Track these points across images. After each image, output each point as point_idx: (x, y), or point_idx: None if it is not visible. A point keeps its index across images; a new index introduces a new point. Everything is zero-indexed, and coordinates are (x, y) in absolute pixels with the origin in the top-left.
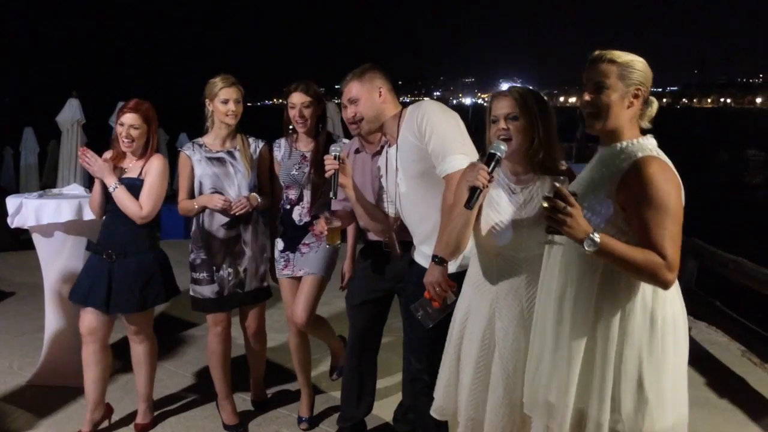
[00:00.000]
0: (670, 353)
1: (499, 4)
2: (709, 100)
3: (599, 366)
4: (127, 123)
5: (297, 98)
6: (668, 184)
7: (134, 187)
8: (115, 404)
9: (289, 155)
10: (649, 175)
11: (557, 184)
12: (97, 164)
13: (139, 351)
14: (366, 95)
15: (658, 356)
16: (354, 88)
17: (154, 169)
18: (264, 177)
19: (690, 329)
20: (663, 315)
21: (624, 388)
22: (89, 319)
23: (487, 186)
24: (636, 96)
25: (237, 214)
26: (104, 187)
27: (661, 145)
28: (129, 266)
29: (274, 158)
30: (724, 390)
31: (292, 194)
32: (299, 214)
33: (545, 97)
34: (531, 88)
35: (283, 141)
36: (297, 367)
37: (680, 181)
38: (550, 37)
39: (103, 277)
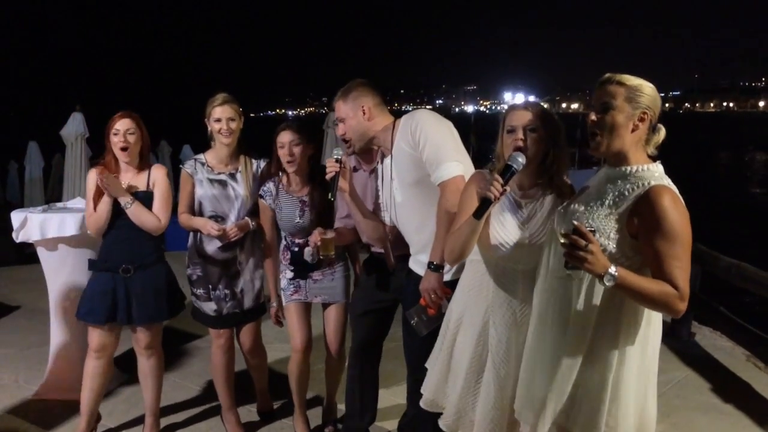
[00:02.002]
0: (654, 371)
1: (500, 11)
2: (711, 104)
3: (595, 391)
4: (123, 128)
5: (286, 137)
6: (680, 215)
7: (146, 199)
8: (121, 417)
9: (281, 202)
10: (663, 207)
11: (575, 222)
12: (114, 184)
13: (147, 365)
14: (351, 114)
15: (647, 376)
16: (341, 108)
17: (162, 179)
18: None
19: (694, 334)
20: (654, 338)
21: (621, 410)
22: (103, 334)
23: (498, 198)
24: (642, 120)
25: (231, 240)
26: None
27: (664, 151)
28: (149, 277)
29: (262, 204)
30: (729, 395)
31: (299, 240)
32: (311, 255)
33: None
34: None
35: (271, 186)
36: (296, 390)
37: (687, 210)
38: (551, 43)
39: (121, 293)
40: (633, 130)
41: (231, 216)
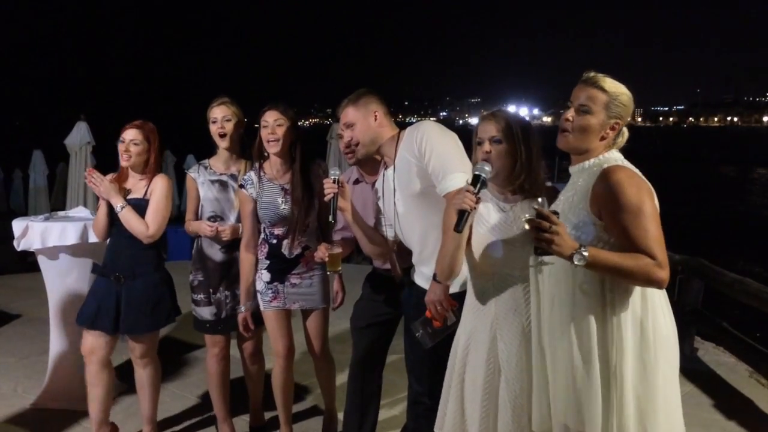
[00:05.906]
0: (661, 364)
1: (505, 24)
2: (715, 119)
3: (602, 386)
4: (128, 138)
5: (270, 116)
6: (636, 188)
7: (140, 207)
8: (119, 426)
9: (263, 190)
10: (615, 182)
11: (536, 206)
12: (104, 185)
13: (144, 375)
14: (362, 120)
15: (651, 368)
16: (350, 113)
17: (158, 189)
18: None
19: (697, 350)
20: (654, 326)
21: (625, 403)
22: (90, 339)
23: (474, 208)
24: (613, 129)
25: (224, 240)
26: (110, 209)
27: (668, 165)
28: (138, 287)
29: (242, 196)
30: (731, 412)
31: (279, 230)
32: (289, 248)
33: (530, 122)
34: (516, 112)
35: (252, 175)
36: (281, 404)
37: (650, 186)
38: (556, 56)
39: (110, 300)
40: (603, 138)
41: (231, 217)
